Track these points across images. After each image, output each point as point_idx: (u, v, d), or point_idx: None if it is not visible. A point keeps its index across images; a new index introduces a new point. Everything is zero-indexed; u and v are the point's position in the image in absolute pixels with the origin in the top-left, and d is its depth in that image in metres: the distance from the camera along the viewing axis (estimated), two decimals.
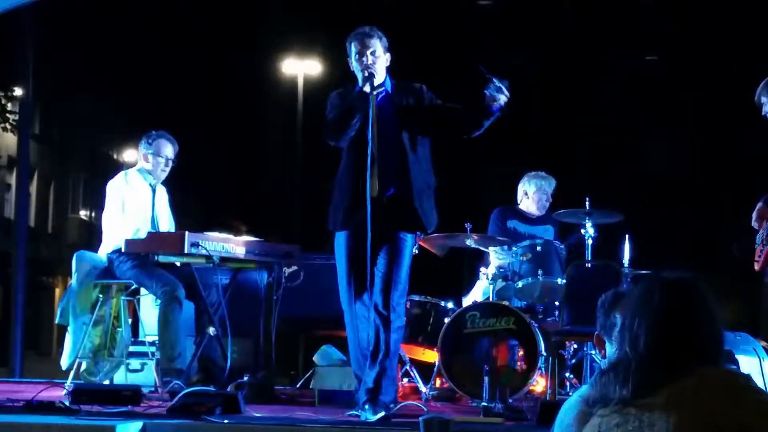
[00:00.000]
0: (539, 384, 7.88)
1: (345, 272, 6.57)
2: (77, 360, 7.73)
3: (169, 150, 8.06)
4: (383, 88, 6.56)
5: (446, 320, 8.00)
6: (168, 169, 8.09)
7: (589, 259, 8.05)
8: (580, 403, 3.39)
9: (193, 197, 31.07)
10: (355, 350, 6.58)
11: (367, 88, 6.39)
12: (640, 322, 2.90)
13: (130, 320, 8.17)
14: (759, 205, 7.84)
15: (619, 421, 2.82)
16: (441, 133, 6.75)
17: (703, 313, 2.91)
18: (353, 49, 6.54)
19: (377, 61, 6.50)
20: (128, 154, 37.77)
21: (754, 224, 7.73)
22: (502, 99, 6.38)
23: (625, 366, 2.87)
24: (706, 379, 2.79)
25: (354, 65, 6.56)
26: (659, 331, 2.88)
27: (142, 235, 7.59)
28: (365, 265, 6.30)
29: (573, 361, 8.24)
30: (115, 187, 7.95)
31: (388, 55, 6.60)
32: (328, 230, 6.71)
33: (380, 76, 6.53)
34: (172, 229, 8.07)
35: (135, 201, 7.91)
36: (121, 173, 8.12)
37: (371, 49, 6.49)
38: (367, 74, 6.43)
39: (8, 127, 29.37)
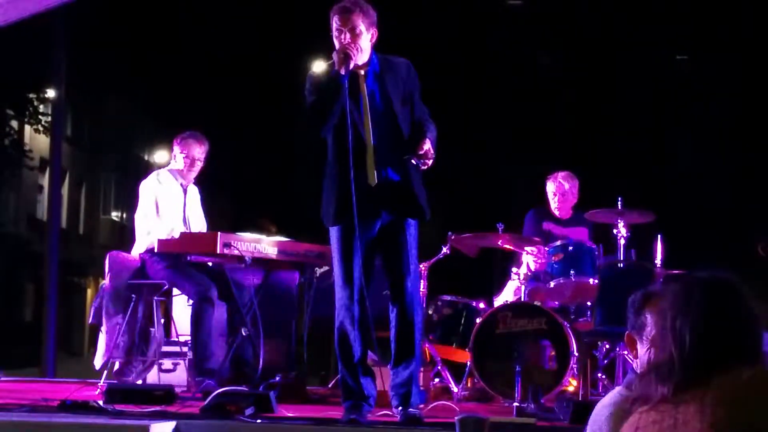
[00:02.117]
0: (571, 384, 7.86)
1: (342, 266, 6.10)
2: (110, 360, 7.76)
3: (198, 150, 8.07)
4: (369, 68, 6.11)
5: (478, 321, 7.99)
6: (197, 169, 8.10)
7: (622, 259, 8.03)
8: (612, 405, 3.38)
9: (225, 197, 31.13)
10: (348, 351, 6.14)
11: (343, 71, 5.89)
12: (684, 321, 2.88)
13: (162, 320, 8.20)
14: None
15: (656, 418, 2.80)
16: None
17: (745, 312, 2.89)
18: (333, 24, 6.04)
19: (358, 39, 5.98)
20: (159, 155, 37.87)
21: None
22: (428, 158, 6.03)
23: (669, 366, 2.85)
24: (746, 379, 2.77)
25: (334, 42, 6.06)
26: (703, 330, 2.85)
27: (175, 235, 7.61)
28: (363, 259, 6.01)
29: (605, 361, 8.21)
30: (147, 187, 7.98)
31: (373, 31, 6.07)
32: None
33: (364, 54, 6.05)
34: (204, 230, 8.09)
35: (167, 201, 7.93)
36: (153, 173, 8.15)
37: (350, 26, 5.97)
38: (342, 56, 5.91)
39: (40, 128, 29.55)
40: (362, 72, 6.09)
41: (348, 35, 5.98)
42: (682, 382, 2.80)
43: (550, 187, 9.08)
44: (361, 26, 6.01)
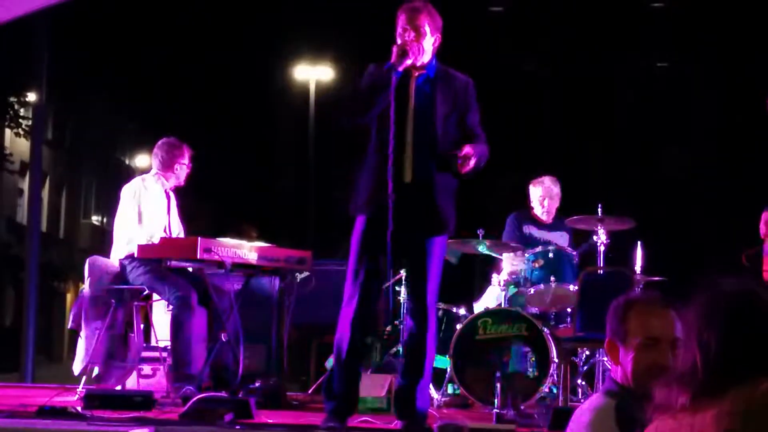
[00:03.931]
0: (551, 391, 7.86)
1: (356, 258, 6.08)
2: (89, 365, 7.73)
3: (182, 156, 8.05)
4: (425, 71, 6.11)
5: (458, 326, 7.99)
6: (181, 175, 8.08)
7: (602, 265, 8.04)
8: (591, 411, 3.38)
9: (205, 203, 31.10)
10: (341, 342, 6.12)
11: (398, 65, 5.91)
12: (710, 332, 2.83)
13: (142, 326, 8.17)
14: (766, 213, 7.83)
15: (673, 426, 2.78)
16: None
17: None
18: (399, 23, 6.07)
19: (421, 39, 6.00)
20: (140, 159, 37.84)
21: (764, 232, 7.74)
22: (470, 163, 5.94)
23: (692, 375, 2.81)
24: (763, 391, 2.73)
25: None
26: (728, 341, 2.81)
27: (155, 241, 7.58)
28: (381, 254, 5.88)
29: (585, 367, 8.23)
30: (131, 192, 7.94)
31: (437, 36, 6.10)
32: (346, 221, 6.22)
33: (425, 56, 6.06)
34: (182, 235, 8.07)
35: (151, 207, 7.90)
36: (137, 178, 8.12)
37: (415, 24, 6.00)
38: (401, 51, 5.93)
39: (21, 132, 29.46)
40: (416, 73, 6.09)
41: (412, 33, 6.00)
42: (703, 391, 2.77)
43: (536, 191, 9.05)
44: (426, 27, 6.04)
